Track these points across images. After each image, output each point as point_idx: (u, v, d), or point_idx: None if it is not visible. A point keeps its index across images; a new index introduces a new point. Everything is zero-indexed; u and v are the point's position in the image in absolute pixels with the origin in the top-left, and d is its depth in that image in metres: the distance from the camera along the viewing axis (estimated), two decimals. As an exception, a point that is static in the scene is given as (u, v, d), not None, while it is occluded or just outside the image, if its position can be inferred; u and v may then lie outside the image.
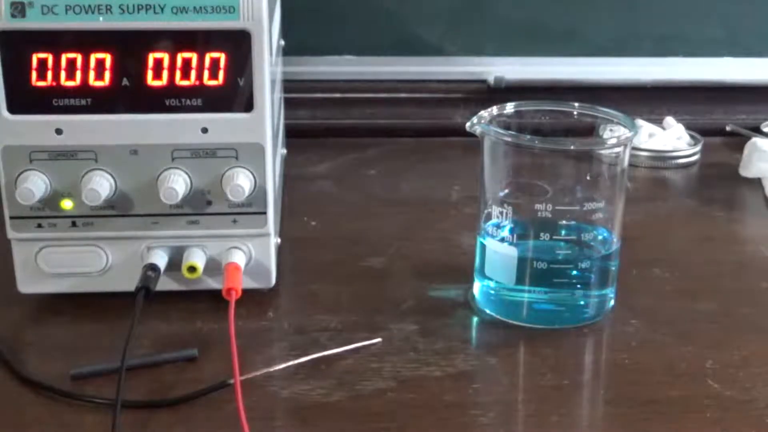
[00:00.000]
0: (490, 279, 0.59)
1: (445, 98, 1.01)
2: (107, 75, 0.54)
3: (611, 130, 0.63)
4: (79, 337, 0.57)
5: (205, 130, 0.56)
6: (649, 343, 0.57)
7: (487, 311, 0.60)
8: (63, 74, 0.54)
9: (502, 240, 0.58)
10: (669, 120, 0.97)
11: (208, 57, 0.55)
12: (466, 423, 0.49)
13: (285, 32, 0.83)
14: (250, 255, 0.59)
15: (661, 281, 0.66)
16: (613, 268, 0.60)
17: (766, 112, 1.02)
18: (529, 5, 1.00)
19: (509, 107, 0.60)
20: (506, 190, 0.58)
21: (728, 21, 1.03)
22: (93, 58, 0.54)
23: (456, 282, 0.64)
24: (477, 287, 0.61)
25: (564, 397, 0.52)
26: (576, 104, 0.61)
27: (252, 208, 0.58)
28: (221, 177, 0.57)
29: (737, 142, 0.94)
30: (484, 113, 0.59)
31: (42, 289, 0.59)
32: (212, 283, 0.60)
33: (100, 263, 0.59)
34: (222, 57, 0.55)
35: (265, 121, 0.56)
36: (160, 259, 0.58)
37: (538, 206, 0.56)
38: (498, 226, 0.58)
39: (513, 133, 0.57)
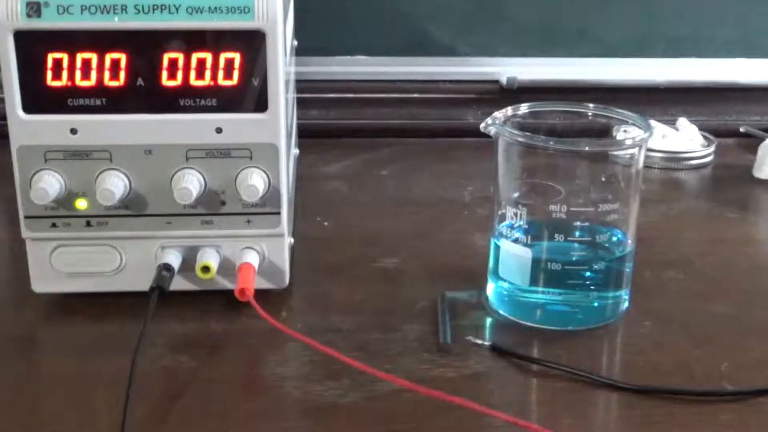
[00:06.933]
0: (504, 280, 0.59)
1: (458, 99, 1.01)
2: (122, 75, 0.54)
3: (625, 131, 0.63)
4: (92, 337, 0.57)
5: (219, 131, 0.56)
6: (663, 345, 0.57)
7: (501, 312, 0.60)
8: (78, 74, 0.54)
9: (516, 241, 0.58)
10: (682, 121, 0.96)
11: (222, 57, 0.55)
12: (480, 425, 0.49)
13: (298, 32, 0.83)
14: (264, 255, 0.59)
15: (675, 283, 0.66)
16: (627, 270, 0.60)
17: (780, 113, 1.02)
18: (542, 6, 1.00)
19: (523, 108, 0.60)
20: (520, 191, 0.58)
21: (742, 22, 1.02)
22: (108, 58, 0.54)
23: (469, 283, 0.64)
24: (490, 288, 0.61)
25: (578, 399, 0.52)
26: (590, 105, 0.61)
27: (266, 208, 0.58)
28: (235, 177, 0.57)
29: (751, 143, 0.94)
30: (498, 114, 0.59)
31: (56, 288, 0.59)
32: (226, 284, 0.60)
33: (114, 263, 0.59)
34: (236, 57, 0.55)
35: (280, 121, 0.56)
36: (174, 259, 0.58)
37: (552, 207, 0.56)
38: (512, 227, 0.58)
39: (527, 134, 0.56)
